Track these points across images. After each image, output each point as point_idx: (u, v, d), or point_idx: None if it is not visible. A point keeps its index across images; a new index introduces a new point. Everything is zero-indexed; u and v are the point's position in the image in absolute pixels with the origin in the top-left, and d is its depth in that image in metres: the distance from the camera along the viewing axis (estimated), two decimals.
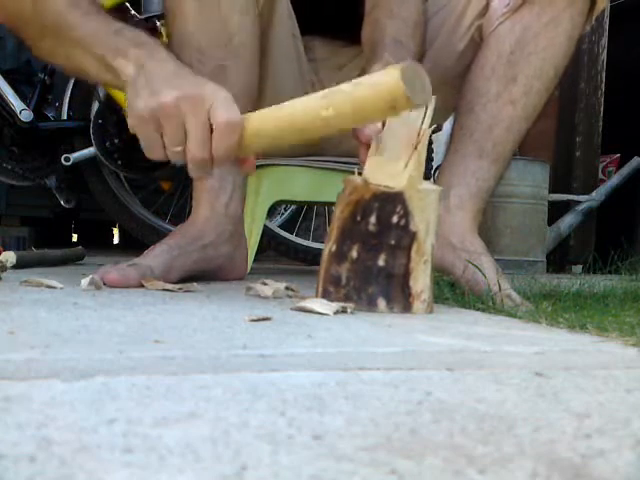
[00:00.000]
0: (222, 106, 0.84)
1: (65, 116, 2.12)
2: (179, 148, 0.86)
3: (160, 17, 1.77)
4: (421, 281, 0.86)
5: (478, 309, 0.93)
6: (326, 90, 0.81)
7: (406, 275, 0.85)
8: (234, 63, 1.14)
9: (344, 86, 0.79)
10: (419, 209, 0.85)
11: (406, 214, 0.84)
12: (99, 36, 0.94)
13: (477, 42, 1.23)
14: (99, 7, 1.00)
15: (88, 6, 0.97)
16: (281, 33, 1.32)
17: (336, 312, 0.79)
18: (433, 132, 0.93)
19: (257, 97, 1.22)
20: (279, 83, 1.35)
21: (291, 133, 0.83)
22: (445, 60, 1.26)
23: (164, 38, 1.40)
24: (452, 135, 1.21)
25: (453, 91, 1.23)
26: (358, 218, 0.85)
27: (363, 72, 1.42)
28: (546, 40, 1.14)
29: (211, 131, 0.84)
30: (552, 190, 2.44)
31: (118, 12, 1.19)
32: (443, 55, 1.27)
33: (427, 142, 0.86)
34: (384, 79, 0.76)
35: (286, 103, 0.84)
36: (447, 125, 1.32)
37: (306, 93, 1.41)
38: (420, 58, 1.15)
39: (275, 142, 0.87)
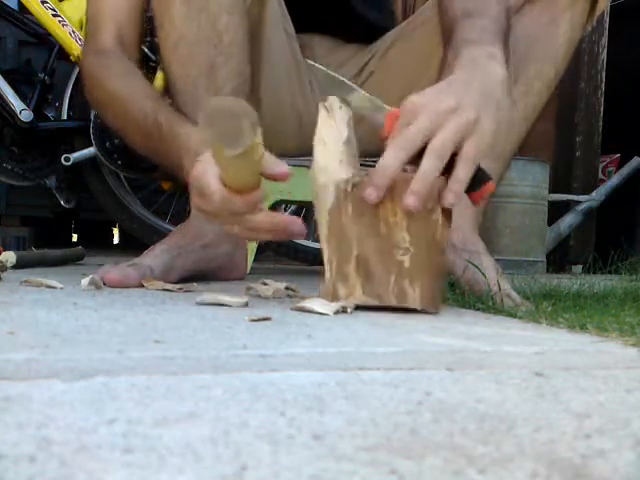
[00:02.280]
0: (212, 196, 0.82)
1: (65, 116, 2.12)
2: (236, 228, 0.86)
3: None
4: None
5: (478, 309, 0.93)
6: None
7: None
8: (225, 62, 1.14)
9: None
10: None
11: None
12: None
13: None
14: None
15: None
16: (273, 31, 1.31)
17: (336, 312, 0.79)
18: None
19: (251, 96, 1.22)
20: (273, 82, 1.35)
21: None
22: None
23: None
24: None
25: None
26: None
27: (361, 70, 1.42)
28: (547, 41, 1.14)
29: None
30: (552, 190, 2.44)
31: None
32: None
33: None
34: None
35: None
36: None
37: (303, 92, 1.41)
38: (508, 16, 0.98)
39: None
